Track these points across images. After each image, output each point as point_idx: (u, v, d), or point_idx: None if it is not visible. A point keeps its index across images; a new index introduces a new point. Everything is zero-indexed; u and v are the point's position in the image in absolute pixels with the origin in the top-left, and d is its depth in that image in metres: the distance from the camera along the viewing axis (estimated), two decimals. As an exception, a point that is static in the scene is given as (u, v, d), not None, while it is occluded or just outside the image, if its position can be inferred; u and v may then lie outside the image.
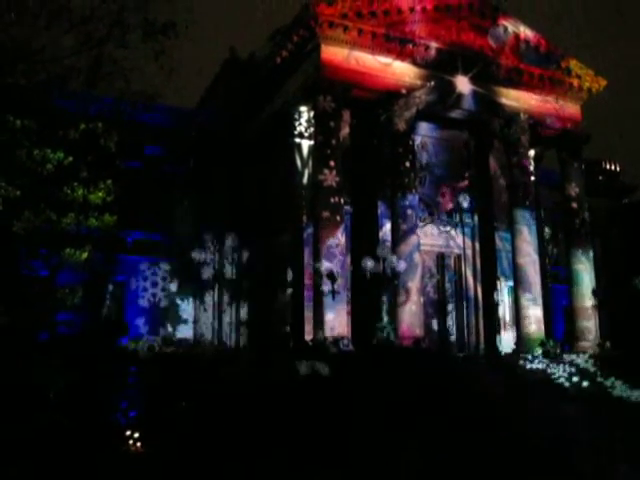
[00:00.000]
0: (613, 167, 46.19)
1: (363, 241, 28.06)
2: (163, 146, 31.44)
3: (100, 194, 20.38)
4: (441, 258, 32.56)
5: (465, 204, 30.53)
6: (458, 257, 32.76)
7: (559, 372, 24.86)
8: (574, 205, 31.75)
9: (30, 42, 15.85)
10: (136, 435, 17.99)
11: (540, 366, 25.43)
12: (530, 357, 26.60)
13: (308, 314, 26.23)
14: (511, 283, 30.98)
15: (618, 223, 44.97)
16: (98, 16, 15.65)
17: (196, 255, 29.26)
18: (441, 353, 26.40)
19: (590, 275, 31.28)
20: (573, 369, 25.30)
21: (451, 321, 32.12)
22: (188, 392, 20.38)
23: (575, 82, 31.79)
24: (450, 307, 32.24)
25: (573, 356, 27.38)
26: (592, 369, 25.64)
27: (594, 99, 32.96)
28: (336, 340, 24.04)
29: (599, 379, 24.45)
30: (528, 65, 30.90)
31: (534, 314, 29.41)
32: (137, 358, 23.02)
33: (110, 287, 28.95)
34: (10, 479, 14.29)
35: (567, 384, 23.76)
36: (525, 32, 31.21)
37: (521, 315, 29.56)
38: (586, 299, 30.81)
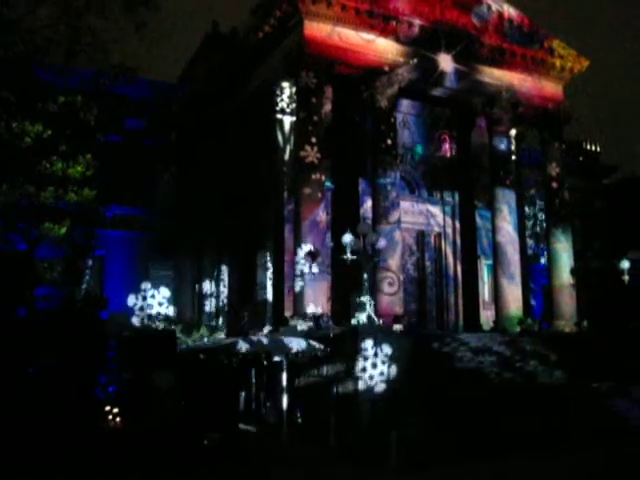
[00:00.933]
0: (594, 148, 46.49)
1: (344, 218, 27.98)
2: (144, 120, 31.23)
3: (79, 168, 20.20)
4: (421, 236, 32.69)
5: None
6: (438, 235, 32.94)
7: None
8: (554, 185, 31.89)
9: (6, 12, 15.59)
10: (115, 410, 18.00)
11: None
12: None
13: (288, 290, 26.26)
14: (491, 262, 31.13)
15: (598, 203, 45.32)
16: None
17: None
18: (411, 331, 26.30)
19: (569, 254, 31.55)
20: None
21: (431, 299, 32.33)
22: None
23: (557, 62, 31.77)
24: (430, 285, 32.42)
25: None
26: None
27: (576, 80, 33.04)
28: (316, 317, 24.07)
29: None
30: (511, 44, 30.77)
31: (512, 292, 29.69)
32: (116, 333, 22.96)
33: (89, 262, 28.76)
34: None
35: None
36: (509, 11, 31.09)
37: (500, 293, 29.83)
38: (564, 278, 31.11)
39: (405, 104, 31.54)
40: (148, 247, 31.66)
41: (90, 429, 16.92)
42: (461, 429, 16.96)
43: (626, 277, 28.63)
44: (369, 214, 28.49)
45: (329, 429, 17.46)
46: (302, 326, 23.62)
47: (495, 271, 30.25)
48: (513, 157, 32.54)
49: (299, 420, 19.58)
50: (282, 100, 28.00)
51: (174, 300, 31.37)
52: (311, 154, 25.71)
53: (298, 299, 25.09)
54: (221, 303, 31.34)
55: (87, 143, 20.94)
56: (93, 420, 17.72)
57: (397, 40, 28.14)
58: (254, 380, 21.63)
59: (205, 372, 21.02)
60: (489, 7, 30.59)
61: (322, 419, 18.22)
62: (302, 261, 24.83)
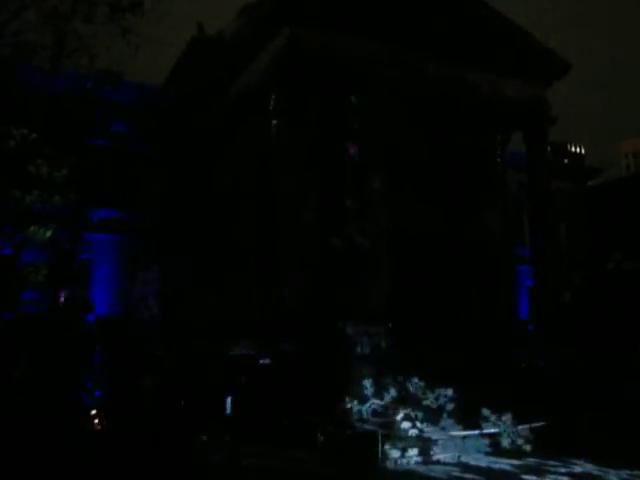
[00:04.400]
0: (578, 150, 46.73)
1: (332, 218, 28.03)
2: (129, 123, 31.14)
3: (65, 172, 20.14)
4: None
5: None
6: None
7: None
8: (539, 187, 32.06)
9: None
10: (101, 414, 18.03)
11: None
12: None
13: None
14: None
15: (583, 206, 45.60)
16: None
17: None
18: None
19: (554, 257, 31.71)
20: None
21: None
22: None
23: (542, 64, 31.88)
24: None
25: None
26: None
27: (561, 82, 33.19)
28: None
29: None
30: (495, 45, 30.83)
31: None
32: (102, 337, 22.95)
33: (75, 265, 28.67)
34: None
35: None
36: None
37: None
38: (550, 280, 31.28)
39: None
40: (135, 250, 31.56)
41: (76, 432, 16.92)
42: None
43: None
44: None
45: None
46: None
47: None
48: (498, 159, 32.75)
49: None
50: (269, 103, 27.94)
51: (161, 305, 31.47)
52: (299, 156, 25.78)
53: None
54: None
55: (73, 146, 20.88)
56: (80, 424, 17.72)
57: (383, 41, 28.12)
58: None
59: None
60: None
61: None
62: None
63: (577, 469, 16.38)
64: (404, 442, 17.65)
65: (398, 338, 23.70)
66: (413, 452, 17.58)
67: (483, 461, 17.54)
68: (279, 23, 26.73)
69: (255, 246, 28.85)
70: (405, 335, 23.81)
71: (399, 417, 18.39)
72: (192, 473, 15.49)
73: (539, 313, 30.85)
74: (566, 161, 45.47)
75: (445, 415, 19.48)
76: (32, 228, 19.90)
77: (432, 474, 16.11)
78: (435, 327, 26.20)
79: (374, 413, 19.21)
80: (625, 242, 40.81)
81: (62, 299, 25.08)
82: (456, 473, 16.10)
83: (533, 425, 19.75)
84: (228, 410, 20.30)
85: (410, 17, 28.62)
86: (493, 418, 19.45)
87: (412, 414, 18.58)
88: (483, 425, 19.28)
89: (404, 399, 19.94)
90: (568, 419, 19.94)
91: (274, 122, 27.44)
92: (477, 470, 16.49)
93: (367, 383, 19.94)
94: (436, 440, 18.17)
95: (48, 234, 20.14)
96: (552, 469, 16.29)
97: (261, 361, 21.94)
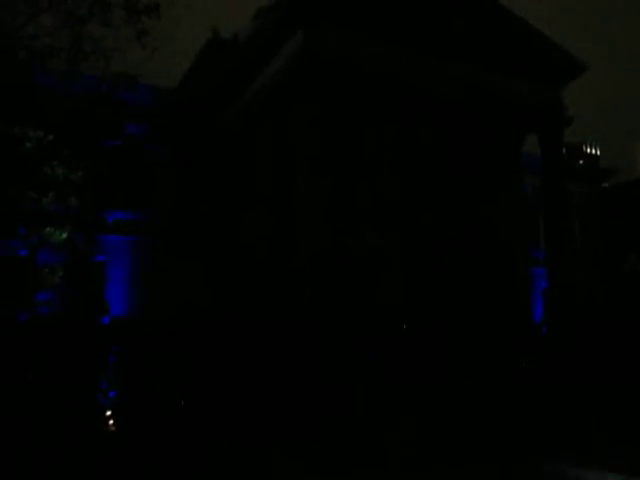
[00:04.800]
0: (593, 151, 46.44)
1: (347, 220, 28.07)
2: (145, 125, 31.22)
3: (80, 174, 20.23)
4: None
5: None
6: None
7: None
8: (554, 188, 31.90)
9: (9, 19, 15.64)
10: (116, 415, 18.07)
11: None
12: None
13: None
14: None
15: (598, 207, 45.35)
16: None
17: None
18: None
19: (568, 259, 31.57)
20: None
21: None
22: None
23: (556, 65, 31.72)
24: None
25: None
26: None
27: (577, 82, 33.01)
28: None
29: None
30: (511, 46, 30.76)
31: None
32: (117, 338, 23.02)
33: (91, 267, 28.78)
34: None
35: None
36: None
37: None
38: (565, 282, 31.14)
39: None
40: (149, 252, 31.63)
41: (91, 434, 16.98)
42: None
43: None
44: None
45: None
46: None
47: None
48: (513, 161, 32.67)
49: None
50: (284, 106, 27.93)
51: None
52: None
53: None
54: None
55: (88, 148, 20.97)
56: (94, 425, 17.77)
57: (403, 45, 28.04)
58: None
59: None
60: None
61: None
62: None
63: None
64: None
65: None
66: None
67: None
68: (294, 26, 26.70)
69: (269, 246, 28.84)
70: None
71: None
72: None
73: (554, 316, 30.72)
74: (581, 162, 45.21)
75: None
76: (48, 229, 20.05)
77: None
78: (446, 332, 26.10)
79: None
80: (640, 244, 40.59)
81: (77, 300, 25.19)
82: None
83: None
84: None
85: (428, 19, 28.61)
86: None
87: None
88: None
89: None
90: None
91: (290, 124, 27.47)
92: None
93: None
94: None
95: (64, 236, 20.27)
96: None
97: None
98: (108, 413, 18.52)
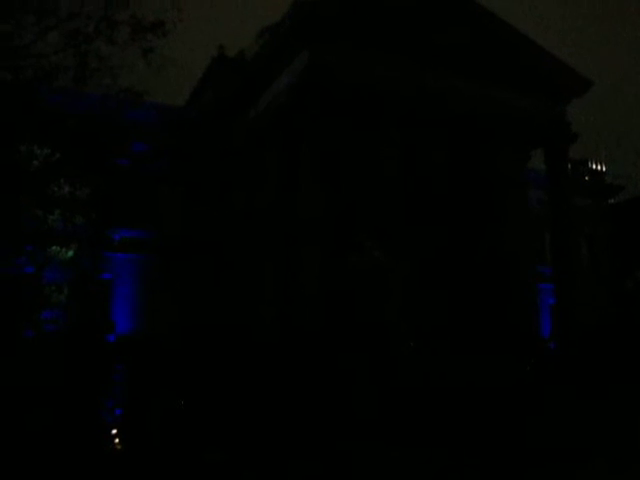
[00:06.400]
0: (599, 167, 46.42)
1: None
2: (151, 143, 31.31)
3: (86, 191, 20.23)
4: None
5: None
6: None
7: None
8: (559, 204, 31.86)
9: (16, 38, 15.71)
10: (121, 434, 17.93)
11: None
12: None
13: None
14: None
15: (604, 223, 45.23)
16: (85, 12, 15.56)
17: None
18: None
19: (575, 275, 31.43)
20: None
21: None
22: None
23: (562, 82, 31.81)
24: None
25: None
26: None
27: (581, 99, 33.06)
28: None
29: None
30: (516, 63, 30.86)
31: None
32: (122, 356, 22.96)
33: (97, 285, 28.78)
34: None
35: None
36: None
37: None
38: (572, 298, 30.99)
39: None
40: (155, 270, 31.62)
41: (96, 453, 16.86)
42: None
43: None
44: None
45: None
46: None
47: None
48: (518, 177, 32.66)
49: None
50: (290, 123, 28.01)
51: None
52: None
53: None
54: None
55: (95, 166, 20.97)
56: (100, 444, 17.64)
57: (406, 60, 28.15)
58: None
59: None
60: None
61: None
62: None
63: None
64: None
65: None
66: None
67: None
68: (299, 44, 26.85)
69: (275, 264, 28.81)
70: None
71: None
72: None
73: (562, 332, 30.55)
74: (587, 178, 45.16)
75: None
76: (54, 247, 20.02)
77: None
78: (453, 346, 25.93)
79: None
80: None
81: (83, 318, 25.17)
82: None
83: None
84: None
85: (434, 37, 28.77)
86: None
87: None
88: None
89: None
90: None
91: (295, 142, 27.52)
92: None
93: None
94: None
95: (70, 254, 20.24)
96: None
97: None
98: (114, 431, 18.38)
